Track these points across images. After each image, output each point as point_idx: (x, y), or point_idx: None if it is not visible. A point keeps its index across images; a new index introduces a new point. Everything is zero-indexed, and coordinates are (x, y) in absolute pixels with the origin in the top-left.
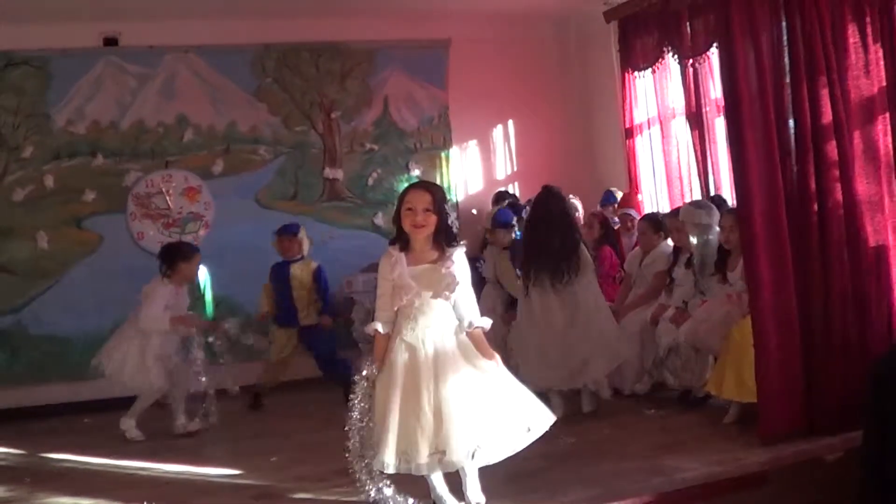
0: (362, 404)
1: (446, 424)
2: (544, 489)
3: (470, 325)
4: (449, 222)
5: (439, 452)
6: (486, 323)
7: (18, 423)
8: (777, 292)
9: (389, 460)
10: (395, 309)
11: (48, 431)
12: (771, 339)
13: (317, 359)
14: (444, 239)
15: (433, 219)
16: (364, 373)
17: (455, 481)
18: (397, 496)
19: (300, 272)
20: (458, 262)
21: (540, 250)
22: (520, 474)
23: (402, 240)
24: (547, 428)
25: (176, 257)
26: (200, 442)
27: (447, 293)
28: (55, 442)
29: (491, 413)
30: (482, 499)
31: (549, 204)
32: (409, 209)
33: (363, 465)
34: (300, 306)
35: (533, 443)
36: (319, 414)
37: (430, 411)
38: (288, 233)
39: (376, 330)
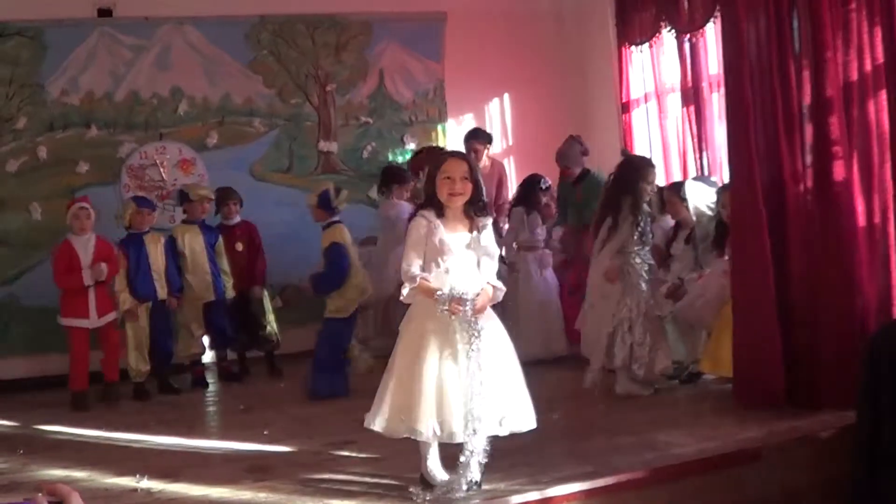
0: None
1: (481, 392)
2: (537, 464)
3: (487, 282)
4: (482, 193)
5: (474, 420)
6: (501, 286)
7: (11, 395)
8: (763, 267)
9: (423, 429)
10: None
11: (41, 403)
12: (750, 312)
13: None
14: (475, 209)
15: (470, 187)
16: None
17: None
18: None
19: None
20: (490, 232)
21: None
22: (512, 449)
23: (435, 207)
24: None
25: None
26: (192, 414)
27: (486, 259)
28: (48, 414)
29: (514, 383)
30: (479, 476)
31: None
32: (448, 178)
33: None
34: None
35: None
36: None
37: (466, 378)
38: (150, 205)
39: (422, 278)
